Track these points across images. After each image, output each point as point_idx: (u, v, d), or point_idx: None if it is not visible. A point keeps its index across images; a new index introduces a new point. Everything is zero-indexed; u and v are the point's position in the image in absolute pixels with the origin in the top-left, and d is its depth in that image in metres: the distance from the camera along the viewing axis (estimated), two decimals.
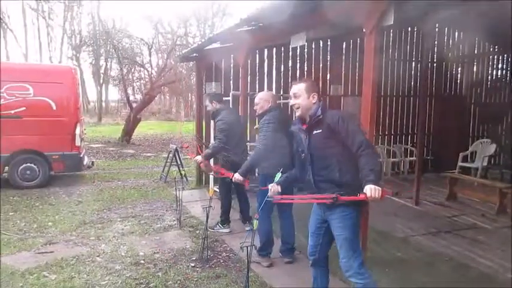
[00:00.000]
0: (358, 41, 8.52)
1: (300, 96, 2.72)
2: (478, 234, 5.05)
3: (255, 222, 2.93)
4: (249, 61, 6.11)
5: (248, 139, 6.48)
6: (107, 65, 27.13)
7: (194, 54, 7.36)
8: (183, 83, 17.90)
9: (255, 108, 4.18)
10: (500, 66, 10.22)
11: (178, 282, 3.55)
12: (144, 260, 4.06)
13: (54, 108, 7.33)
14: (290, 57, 8.02)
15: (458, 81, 9.76)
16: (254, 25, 4.50)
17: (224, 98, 6.99)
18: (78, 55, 27.33)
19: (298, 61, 8.14)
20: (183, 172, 8.36)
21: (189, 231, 5.03)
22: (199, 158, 4.85)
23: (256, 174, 4.63)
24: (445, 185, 6.88)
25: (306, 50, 8.15)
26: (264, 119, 3.96)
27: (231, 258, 4.16)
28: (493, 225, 5.43)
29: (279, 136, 3.76)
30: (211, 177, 6.99)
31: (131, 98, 17.44)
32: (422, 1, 3.55)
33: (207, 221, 4.08)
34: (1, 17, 21.52)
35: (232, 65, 7.45)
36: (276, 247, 4.14)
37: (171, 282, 3.55)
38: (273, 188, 2.91)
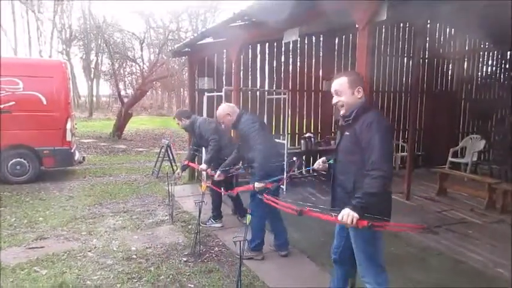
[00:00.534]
0: (351, 37, 8.55)
1: (343, 92, 2.44)
2: (467, 228, 5.12)
3: (248, 217, 2.94)
4: (242, 56, 6.10)
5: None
6: (97, 59, 26.89)
7: (186, 49, 7.32)
8: (175, 78, 17.75)
9: (222, 126, 4.20)
10: (490, 63, 10.34)
11: (171, 276, 3.55)
12: (136, 254, 4.05)
13: (45, 102, 7.25)
14: (283, 53, 8.01)
15: (450, 77, 9.86)
16: (247, 20, 4.48)
17: (217, 94, 7.03)
18: (68, 49, 26.97)
19: (291, 56, 8.12)
20: (175, 167, 8.34)
21: (181, 226, 5.02)
22: (204, 166, 4.81)
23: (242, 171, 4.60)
24: (436, 180, 6.96)
25: (298, 45, 8.16)
26: (243, 124, 3.92)
27: (223, 252, 4.16)
28: (481, 219, 5.51)
29: (267, 132, 3.90)
30: (203, 172, 6.98)
31: (122, 93, 17.32)
32: None
33: (199, 216, 4.08)
34: None
35: (225, 60, 7.43)
36: (267, 241, 4.15)
37: (163, 276, 3.55)
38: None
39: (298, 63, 8.17)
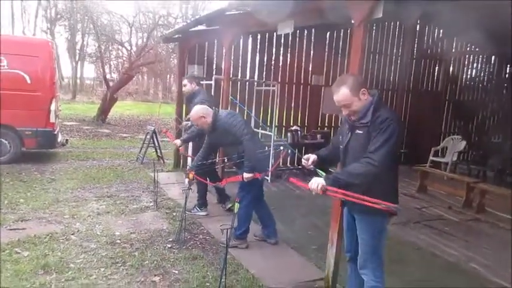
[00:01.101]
0: (342, 32, 8.61)
1: (350, 103, 2.40)
2: (444, 225, 5.29)
3: (236, 205, 2.97)
4: (233, 46, 6.07)
5: None
6: (83, 41, 26.25)
7: (177, 35, 7.23)
8: (162, 64, 17.52)
9: (199, 128, 4.19)
10: (475, 66, 10.58)
11: (155, 262, 3.56)
12: (120, 239, 4.04)
13: (29, 82, 7.06)
14: (274, 45, 8.01)
15: (436, 78, 10.06)
16: (242, 10, 4.47)
17: (206, 82, 7.00)
18: (53, 28, 26.23)
19: (281, 49, 8.12)
20: (160, 154, 8.31)
21: (165, 213, 5.02)
22: (178, 141, 4.93)
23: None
24: (416, 178, 7.13)
25: (290, 38, 8.16)
26: (222, 121, 3.93)
27: (208, 240, 4.20)
28: (458, 217, 5.70)
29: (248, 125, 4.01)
30: (189, 160, 6.97)
31: (108, 76, 17.00)
32: None
33: (185, 203, 4.10)
34: None
35: (215, 49, 7.38)
36: (251, 231, 4.21)
37: (147, 262, 3.56)
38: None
39: (289, 56, 8.17)
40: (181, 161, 7.71)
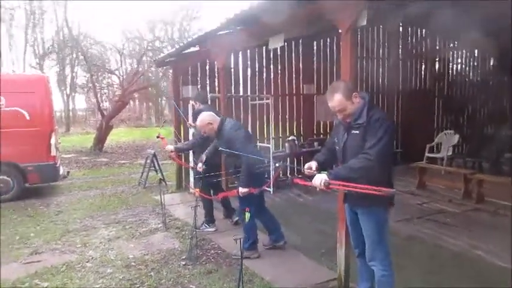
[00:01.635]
0: (329, 41, 8.89)
1: (344, 108, 2.61)
2: (446, 218, 5.43)
3: (247, 215, 3.09)
4: (232, 64, 6.25)
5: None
6: (72, 73, 26.46)
7: (170, 59, 7.43)
8: (156, 88, 17.74)
9: (204, 134, 4.34)
10: (459, 61, 10.91)
11: (172, 280, 3.66)
12: (134, 262, 4.14)
13: (28, 118, 7.19)
14: (264, 58, 8.23)
15: (423, 76, 10.34)
16: (234, 29, 4.67)
17: None
18: (42, 63, 26.45)
19: (271, 62, 8.35)
20: (162, 177, 8.40)
21: (175, 232, 5.13)
22: (170, 147, 5.06)
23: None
24: (414, 175, 7.29)
25: (278, 50, 8.39)
26: (227, 131, 4.07)
27: (220, 254, 4.30)
28: (459, 209, 5.85)
29: (250, 140, 4.16)
30: (191, 180, 7.10)
31: (100, 105, 17.11)
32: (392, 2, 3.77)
33: (195, 219, 4.22)
34: None
35: (209, 68, 7.58)
36: (260, 241, 4.32)
37: (164, 280, 3.66)
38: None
39: (279, 68, 8.40)
40: (183, 182, 7.84)
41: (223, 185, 5.55)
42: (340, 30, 3.19)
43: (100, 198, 7.37)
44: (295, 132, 8.80)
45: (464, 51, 10.73)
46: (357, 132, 2.62)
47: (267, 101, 7.61)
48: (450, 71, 10.77)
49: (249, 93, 8.08)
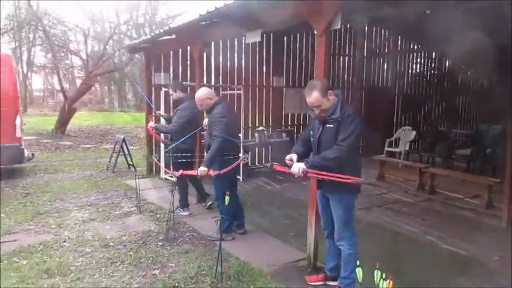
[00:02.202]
0: (298, 36, 9.20)
1: (320, 103, 2.91)
2: (402, 207, 5.95)
3: (227, 199, 3.33)
4: (205, 54, 6.38)
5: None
6: (29, 52, 25.24)
7: (144, 45, 7.44)
8: (121, 73, 17.37)
9: (200, 108, 4.52)
10: (419, 61, 11.62)
11: (151, 259, 3.85)
12: (112, 242, 4.27)
13: None
14: (236, 49, 8.40)
15: (385, 74, 10.93)
16: (209, 22, 4.83)
17: None
18: None
19: (244, 54, 8.54)
20: (131, 162, 8.44)
21: (149, 215, 5.27)
22: (152, 124, 5.30)
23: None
24: (375, 168, 7.82)
25: (250, 43, 8.58)
26: (214, 113, 4.28)
27: (195, 236, 4.52)
28: (414, 199, 6.40)
29: (231, 127, 4.32)
30: (162, 166, 7.20)
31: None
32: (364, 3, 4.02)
33: (172, 202, 4.41)
34: None
35: (181, 57, 7.66)
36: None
37: (144, 259, 3.84)
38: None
39: (251, 60, 8.60)
40: (154, 168, 7.93)
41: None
42: (315, 32, 3.46)
43: (68, 181, 7.32)
44: (264, 122, 9.10)
45: (423, 52, 11.44)
46: (332, 126, 2.94)
47: (239, 91, 7.83)
48: (410, 70, 11.45)
49: (221, 82, 8.25)
